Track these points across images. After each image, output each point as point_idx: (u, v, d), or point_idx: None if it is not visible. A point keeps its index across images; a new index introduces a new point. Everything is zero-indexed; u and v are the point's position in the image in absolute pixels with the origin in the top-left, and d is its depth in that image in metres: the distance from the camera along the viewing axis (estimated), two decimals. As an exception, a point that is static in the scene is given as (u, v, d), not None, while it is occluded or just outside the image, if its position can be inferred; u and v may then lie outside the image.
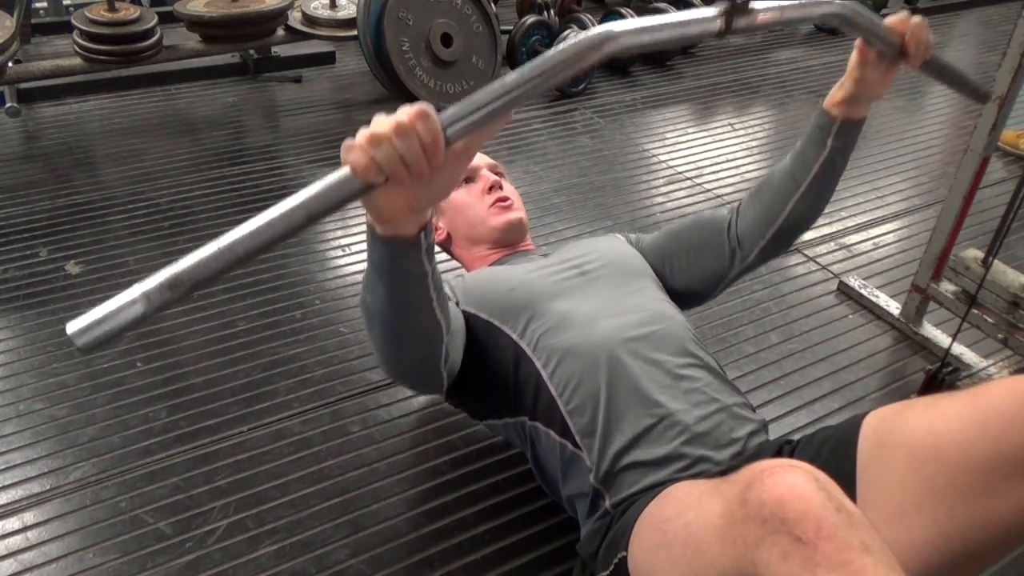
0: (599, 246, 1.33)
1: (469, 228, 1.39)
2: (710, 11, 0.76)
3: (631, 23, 0.72)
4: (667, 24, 0.73)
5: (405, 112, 0.69)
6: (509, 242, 1.39)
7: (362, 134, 0.69)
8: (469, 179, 1.42)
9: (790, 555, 0.64)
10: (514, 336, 1.16)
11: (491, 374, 1.18)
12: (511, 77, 0.70)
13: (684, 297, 1.34)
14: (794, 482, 0.67)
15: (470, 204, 1.39)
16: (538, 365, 1.12)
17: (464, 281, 1.26)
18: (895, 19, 0.99)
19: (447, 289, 1.22)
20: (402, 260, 0.83)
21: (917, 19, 1.00)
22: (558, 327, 1.14)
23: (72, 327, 0.61)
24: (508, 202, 1.38)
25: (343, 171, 0.69)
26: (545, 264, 1.28)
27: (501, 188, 1.40)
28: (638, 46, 0.73)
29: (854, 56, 1.05)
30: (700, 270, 1.30)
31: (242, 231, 0.64)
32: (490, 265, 1.37)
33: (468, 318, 1.20)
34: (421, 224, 0.81)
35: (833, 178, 1.17)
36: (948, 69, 1.11)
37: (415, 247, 0.83)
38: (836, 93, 1.10)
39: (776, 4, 0.83)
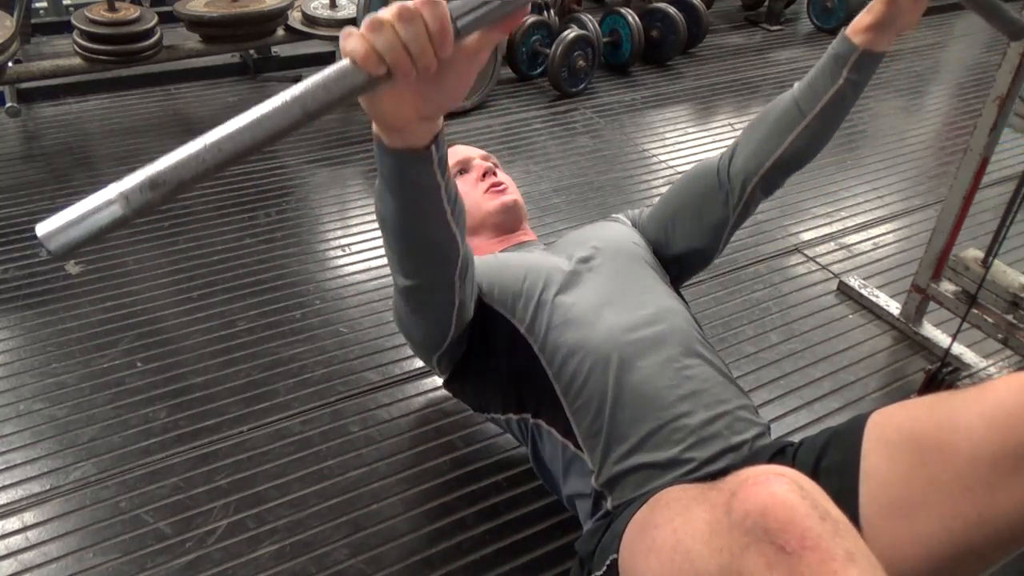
0: (602, 234, 1.31)
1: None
2: None
3: None
4: None
5: None
6: (507, 226, 1.38)
7: (364, 22, 0.62)
8: (463, 171, 1.43)
9: (775, 565, 0.64)
10: (521, 329, 1.14)
11: (495, 364, 1.16)
12: None
13: (689, 260, 1.32)
14: (777, 491, 0.67)
15: (465, 193, 1.38)
16: (543, 362, 1.11)
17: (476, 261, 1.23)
18: None
19: None
20: (413, 173, 0.78)
21: None
22: (565, 323, 1.12)
23: (42, 229, 0.55)
24: (502, 186, 1.39)
25: (342, 63, 0.61)
26: (549, 255, 1.27)
27: (495, 175, 1.41)
28: None
29: None
30: (698, 225, 1.28)
31: (231, 127, 0.58)
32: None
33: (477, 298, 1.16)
34: (432, 133, 0.75)
35: (840, 113, 1.12)
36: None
37: (426, 159, 0.76)
38: (863, 18, 1.05)
39: None
